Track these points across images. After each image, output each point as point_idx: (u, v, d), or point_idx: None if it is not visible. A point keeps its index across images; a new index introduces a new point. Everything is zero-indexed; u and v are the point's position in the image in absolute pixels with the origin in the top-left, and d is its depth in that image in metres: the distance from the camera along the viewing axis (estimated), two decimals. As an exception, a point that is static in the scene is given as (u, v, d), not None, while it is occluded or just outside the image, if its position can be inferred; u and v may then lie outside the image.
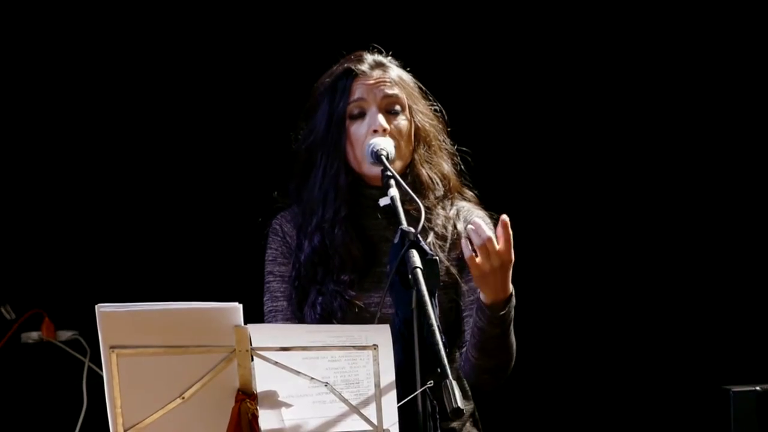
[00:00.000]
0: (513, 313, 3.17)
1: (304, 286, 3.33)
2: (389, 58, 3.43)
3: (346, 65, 3.38)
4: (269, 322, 3.34)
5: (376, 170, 3.25)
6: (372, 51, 3.43)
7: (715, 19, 4.86)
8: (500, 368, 3.25)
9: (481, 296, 3.14)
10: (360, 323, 3.23)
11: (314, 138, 3.36)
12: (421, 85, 3.44)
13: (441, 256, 3.29)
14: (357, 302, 3.28)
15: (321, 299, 3.28)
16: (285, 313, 3.34)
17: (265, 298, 3.39)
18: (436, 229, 3.34)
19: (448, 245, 3.35)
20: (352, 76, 3.35)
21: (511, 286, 3.13)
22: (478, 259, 3.05)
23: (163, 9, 4.72)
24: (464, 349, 3.28)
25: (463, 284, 3.34)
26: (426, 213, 3.15)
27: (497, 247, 3.04)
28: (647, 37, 4.87)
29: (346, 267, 3.31)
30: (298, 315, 3.33)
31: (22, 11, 4.67)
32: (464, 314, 3.33)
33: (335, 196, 3.32)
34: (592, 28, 4.87)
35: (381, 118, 3.31)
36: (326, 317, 3.28)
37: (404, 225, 2.94)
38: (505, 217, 3.06)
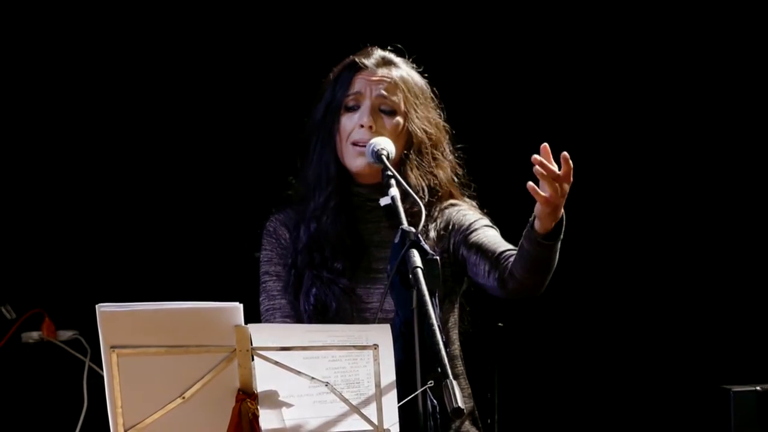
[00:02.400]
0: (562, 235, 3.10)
1: (300, 273, 3.36)
2: (403, 59, 3.44)
3: (352, 57, 3.42)
4: (267, 321, 3.36)
5: (358, 163, 3.32)
6: (392, 50, 3.45)
7: (715, 19, 4.87)
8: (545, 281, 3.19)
9: (537, 225, 3.03)
10: (354, 316, 3.28)
11: (312, 124, 3.42)
12: (432, 94, 3.45)
13: None
14: (350, 293, 3.30)
15: (315, 290, 3.31)
16: (283, 311, 3.36)
17: (261, 298, 3.41)
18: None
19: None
20: (355, 68, 3.39)
21: (562, 210, 3.03)
22: (546, 193, 2.96)
23: (164, 5, 4.72)
24: (508, 263, 3.19)
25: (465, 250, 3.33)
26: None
27: (557, 171, 2.96)
28: (642, 40, 4.87)
29: (338, 255, 3.33)
30: (296, 304, 3.35)
31: (22, 11, 4.67)
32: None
33: (326, 183, 3.37)
34: (587, 30, 4.87)
35: (368, 115, 3.34)
36: (320, 308, 3.30)
37: (405, 225, 2.94)
38: (565, 153, 2.98)
